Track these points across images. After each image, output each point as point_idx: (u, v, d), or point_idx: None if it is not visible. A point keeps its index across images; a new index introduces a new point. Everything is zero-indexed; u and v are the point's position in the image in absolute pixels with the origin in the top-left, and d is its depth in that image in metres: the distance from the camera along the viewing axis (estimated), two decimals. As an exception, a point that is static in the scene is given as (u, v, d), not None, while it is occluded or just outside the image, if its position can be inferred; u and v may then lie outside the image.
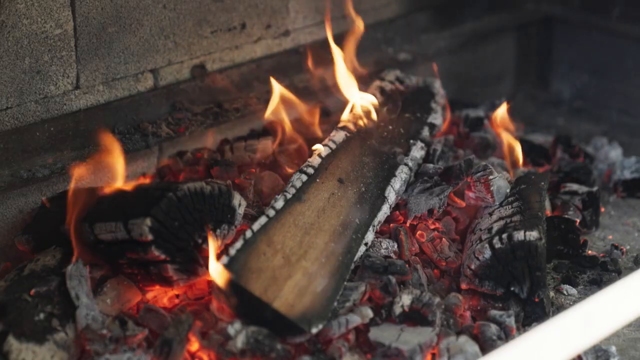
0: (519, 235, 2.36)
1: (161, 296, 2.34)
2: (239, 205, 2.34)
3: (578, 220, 2.75)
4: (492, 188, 2.58)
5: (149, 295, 2.34)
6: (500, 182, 2.61)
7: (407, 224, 2.56)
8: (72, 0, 2.57)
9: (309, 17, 3.14)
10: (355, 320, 2.22)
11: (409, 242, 2.49)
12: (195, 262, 2.29)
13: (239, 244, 2.23)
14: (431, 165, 2.71)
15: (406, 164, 2.61)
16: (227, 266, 2.16)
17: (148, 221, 2.21)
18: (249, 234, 2.26)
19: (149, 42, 2.76)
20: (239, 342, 2.12)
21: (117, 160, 2.45)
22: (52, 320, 2.16)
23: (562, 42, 3.78)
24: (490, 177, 2.59)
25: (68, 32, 2.58)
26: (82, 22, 2.60)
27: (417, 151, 2.69)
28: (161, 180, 2.77)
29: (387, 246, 2.46)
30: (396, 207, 2.59)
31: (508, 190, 2.62)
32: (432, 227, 2.57)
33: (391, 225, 2.54)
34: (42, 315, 2.16)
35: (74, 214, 2.31)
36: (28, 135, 2.55)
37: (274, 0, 3.03)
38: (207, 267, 2.27)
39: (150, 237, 2.21)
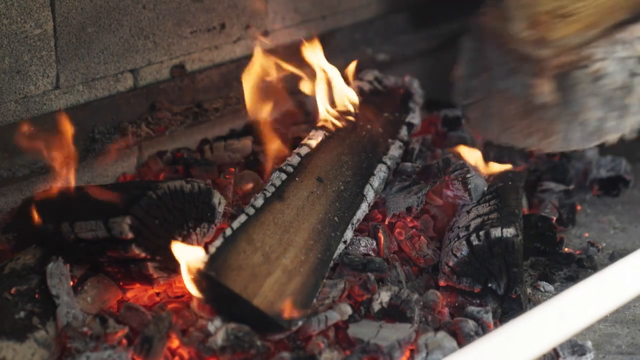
0: (496, 232, 2.39)
1: (142, 294, 2.35)
2: (219, 203, 2.36)
3: (555, 218, 2.78)
4: (469, 186, 2.61)
5: (130, 294, 2.34)
6: (478, 181, 2.63)
7: (386, 222, 2.57)
8: (52, 1, 2.57)
9: (287, 17, 3.16)
10: (335, 317, 2.24)
11: (388, 240, 2.51)
12: (175, 260, 2.29)
13: (218, 242, 2.24)
14: (409, 164, 2.73)
15: (384, 163, 2.63)
16: (207, 264, 2.18)
17: (128, 219, 2.22)
18: (228, 232, 2.27)
19: (128, 42, 2.77)
20: (219, 339, 2.13)
21: None
22: (32, 318, 2.16)
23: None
24: (468, 175, 2.61)
25: (48, 32, 2.58)
26: (62, 22, 2.61)
27: (396, 150, 2.71)
28: (141, 180, 2.78)
29: (366, 244, 2.48)
30: (375, 205, 2.61)
31: (485, 189, 2.64)
32: (411, 225, 2.59)
33: (370, 223, 2.56)
34: (22, 314, 2.16)
35: None
36: (8, 134, 2.56)
37: (253, 0, 3.04)
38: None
39: (130, 235, 2.23)
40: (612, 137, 2.18)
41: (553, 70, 2.13)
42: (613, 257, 2.72)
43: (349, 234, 2.44)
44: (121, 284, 2.32)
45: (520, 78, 2.15)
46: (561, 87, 2.14)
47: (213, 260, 2.19)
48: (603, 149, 3.21)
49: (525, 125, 2.21)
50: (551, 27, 2.17)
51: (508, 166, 2.85)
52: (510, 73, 2.18)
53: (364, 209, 2.52)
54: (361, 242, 2.47)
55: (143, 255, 2.25)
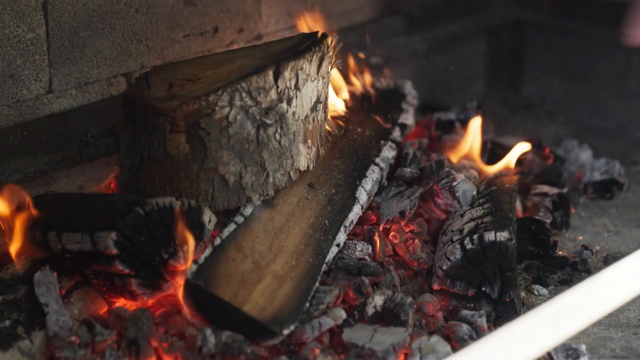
0: (490, 236, 2.38)
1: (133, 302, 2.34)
2: (209, 221, 2.33)
3: (548, 222, 2.78)
4: (457, 194, 2.60)
5: (119, 302, 2.32)
6: (465, 186, 2.62)
7: (381, 227, 2.57)
8: (45, 5, 2.57)
9: (280, 21, 3.15)
10: (329, 322, 2.23)
11: (383, 244, 2.50)
12: (160, 277, 2.27)
13: (207, 252, 2.24)
14: (408, 170, 2.72)
15: (377, 164, 2.62)
16: (195, 274, 2.18)
17: (113, 235, 2.20)
18: (217, 241, 2.27)
19: (121, 46, 2.76)
20: (209, 346, 2.13)
21: None
22: (17, 327, 2.16)
23: (533, 46, 3.81)
24: (454, 183, 2.61)
25: (40, 36, 2.58)
26: (55, 26, 2.60)
27: (388, 151, 2.69)
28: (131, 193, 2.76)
29: (362, 248, 2.47)
30: (370, 208, 2.60)
31: (474, 193, 2.63)
32: (407, 229, 2.59)
33: (365, 227, 2.55)
34: (7, 323, 2.15)
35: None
36: (1, 139, 2.55)
37: (246, 4, 3.04)
38: (172, 283, 2.28)
39: (115, 251, 2.20)
40: (255, 197, 2.32)
41: (183, 120, 2.29)
42: (607, 261, 2.72)
43: (341, 237, 2.43)
44: (106, 296, 2.30)
45: (157, 135, 2.31)
46: (194, 138, 2.30)
47: (202, 270, 2.19)
48: (597, 151, 3.23)
49: (173, 188, 2.34)
50: (182, 87, 2.38)
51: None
52: (150, 133, 2.33)
53: (356, 211, 2.51)
54: (357, 246, 2.47)
55: (127, 271, 2.22)
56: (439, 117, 3.15)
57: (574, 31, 3.67)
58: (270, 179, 2.39)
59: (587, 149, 3.24)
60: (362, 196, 2.53)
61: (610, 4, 3.53)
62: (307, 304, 2.25)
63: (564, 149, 3.25)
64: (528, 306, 2.51)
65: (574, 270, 2.66)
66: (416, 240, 2.56)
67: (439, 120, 3.14)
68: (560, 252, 2.74)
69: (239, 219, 2.35)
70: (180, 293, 2.22)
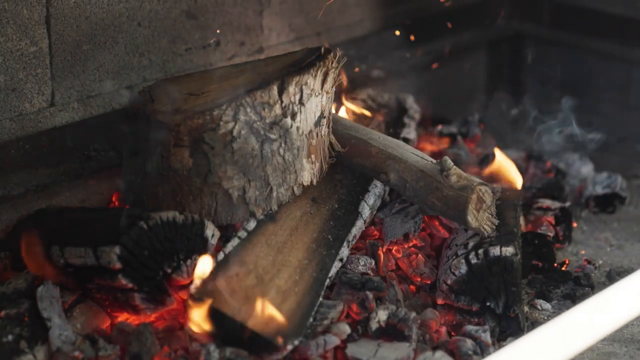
0: (495, 251, 2.38)
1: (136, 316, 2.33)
2: (212, 235, 2.32)
3: (551, 235, 2.77)
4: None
5: (122, 317, 2.32)
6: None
7: (384, 249, 2.56)
8: (48, 18, 2.57)
9: (282, 34, 3.15)
10: (334, 341, 2.22)
11: (386, 258, 2.50)
12: (163, 292, 2.27)
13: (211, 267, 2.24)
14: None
15: (379, 179, 2.62)
16: (199, 289, 2.17)
17: (117, 249, 2.20)
18: (221, 256, 2.27)
19: (123, 59, 2.76)
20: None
21: None
22: (20, 342, 2.15)
23: (533, 59, 3.81)
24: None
25: (43, 50, 2.58)
26: (57, 40, 2.60)
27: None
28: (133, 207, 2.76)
29: (365, 263, 2.47)
30: (373, 223, 2.60)
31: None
32: (410, 243, 2.58)
33: (367, 241, 2.55)
34: (10, 337, 2.15)
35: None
36: (3, 152, 2.54)
37: (247, 17, 3.04)
38: (175, 297, 2.28)
39: (118, 265, 2.20)
40: (258, 211, 2.32)
41: (187, 134, 2.31)
42: (610, 275, 2.72)
43: (344, 252, 2.43)
44: (109, 311, 2.30)
45: (161, 150, 2.36)
46: (198, 152, 2.31)
47: (205, 285, 2.18)
48: (599, 165, 3.23)
49: (177, 202, 2.35)
50: (185, 101, 2.39)
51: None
52: (154, 147, 2.35)
53: (359, 226, 2.51)
54: (360, 261, 2.46)
55: (130, 286, 2.23)
56: (441, 130, 3.16)
57: (574, 44, 3.67)
58: (274, 194, 2.39)
59: (589, 162, 3.24)
60: (365, 211, 2.53)
61: (611, 17, 3.54)
62: (311, 319, 2.24)
63: (565, 163, 3.25)
64: (532, 321, 2.50)
65: (577, 285, 2.66)
66: (419, 254, 2.56)
67: (440, 134, 3.14)
68: (563, 266, 2.74)
69: (242, 233, 2.35)
70: (183, 308, 2.22)
